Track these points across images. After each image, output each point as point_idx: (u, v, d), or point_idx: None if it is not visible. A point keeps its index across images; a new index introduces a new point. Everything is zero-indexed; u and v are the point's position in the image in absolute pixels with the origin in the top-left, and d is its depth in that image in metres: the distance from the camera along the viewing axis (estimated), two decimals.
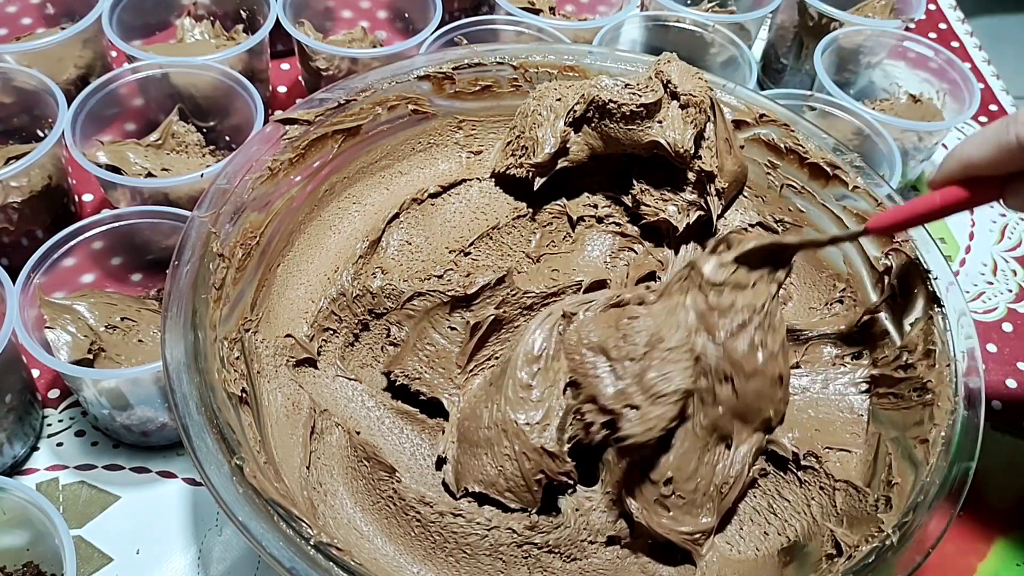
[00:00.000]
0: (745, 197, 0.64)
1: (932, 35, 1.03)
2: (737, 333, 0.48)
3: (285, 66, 0.91)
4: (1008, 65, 1.02)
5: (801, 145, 0.61)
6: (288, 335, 0.55)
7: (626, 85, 0.57)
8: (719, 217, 0.62)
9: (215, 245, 0.51)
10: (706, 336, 0.49)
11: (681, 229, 0.61)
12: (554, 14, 0.90)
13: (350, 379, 0.57)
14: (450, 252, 0.60)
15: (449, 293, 0.56)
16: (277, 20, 0.79)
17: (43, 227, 0.70)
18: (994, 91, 0.97)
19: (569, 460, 0.50)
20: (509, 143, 0.62)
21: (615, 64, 0.64)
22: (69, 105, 0.68)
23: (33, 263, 0.59)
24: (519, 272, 0.61)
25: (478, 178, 0.63)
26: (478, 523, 0.49)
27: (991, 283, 0.79)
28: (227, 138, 0.77)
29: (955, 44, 1.03)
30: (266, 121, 0.80)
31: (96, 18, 0.77)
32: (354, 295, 0.57)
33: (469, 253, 0.61)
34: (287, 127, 0.57)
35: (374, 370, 0.58)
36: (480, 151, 0.65)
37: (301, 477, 0.50)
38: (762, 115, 0.62)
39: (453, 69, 0.62)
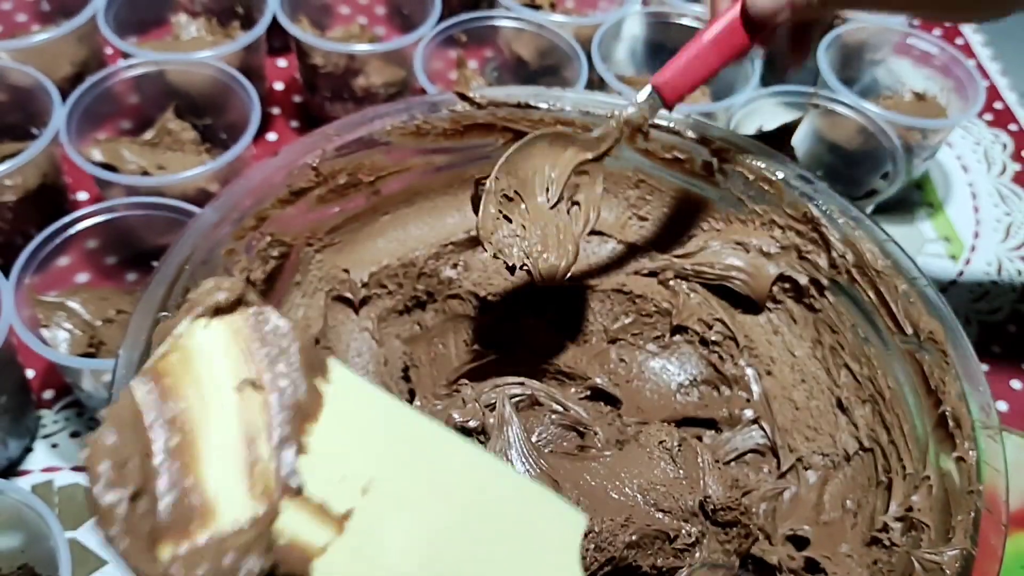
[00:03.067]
0: None
1: (936, 32, 1.02)
2: None
3: (282, 63, 0.91)
4: (1014, 62, 1.01)
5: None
6: (346, 270, 0.56)
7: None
8: None
9: (313, 159, 0.52)
10: None
11: None
12: (554, 9, 0.89)
13: (374, 338, 0.57)
14: None
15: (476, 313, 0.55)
16: (274, 16, 0.78)
17: (38, 226, 0.68)
18: (999, 88, 0.97)
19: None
20: None
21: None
22: (64, 102, 0.68)
23: (25, 259, 0.58)
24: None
25: (619, 240, 0.59)
26: None
27: (996, 283, 0.78)
28: (223, 135, 0.77)
29: (960, 41, 1.02)
30: (263, 119, 0.79)
31: (91, 15, 0.76)
32: (420, 271, 0.57)
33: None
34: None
35: (397, 343, 0.57)
36: (647, 219, 0.60)
37: None
38: None
39: (649, 123, 0.56)
